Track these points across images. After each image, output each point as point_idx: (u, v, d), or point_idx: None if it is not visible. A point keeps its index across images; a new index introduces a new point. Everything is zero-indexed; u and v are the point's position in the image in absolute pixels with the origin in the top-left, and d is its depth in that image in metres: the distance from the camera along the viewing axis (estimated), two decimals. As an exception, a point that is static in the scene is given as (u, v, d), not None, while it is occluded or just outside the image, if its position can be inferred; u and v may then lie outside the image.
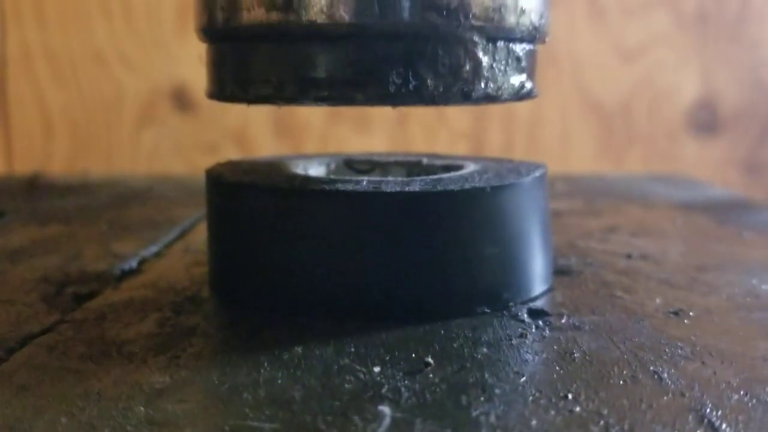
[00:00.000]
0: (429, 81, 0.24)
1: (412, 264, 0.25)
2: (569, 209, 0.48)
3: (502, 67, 0.25)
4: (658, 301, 0.27)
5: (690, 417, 0.18)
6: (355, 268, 0.25)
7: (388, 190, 0.25)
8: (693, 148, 0.80)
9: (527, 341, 0.23)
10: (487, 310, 0.26)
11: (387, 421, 0.18)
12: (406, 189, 0.25)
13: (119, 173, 0.71)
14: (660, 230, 0.41)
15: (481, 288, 0.26)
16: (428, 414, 0.18)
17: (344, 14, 0.23)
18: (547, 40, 0.28)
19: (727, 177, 0.79)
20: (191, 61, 0.74)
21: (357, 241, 0.25)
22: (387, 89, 0.24)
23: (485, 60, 0.24)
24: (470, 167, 0.30)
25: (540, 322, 0.25)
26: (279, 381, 0.20)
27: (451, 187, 0.25)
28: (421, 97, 0.24)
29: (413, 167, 0.33)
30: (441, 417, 0.18)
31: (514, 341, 0.23)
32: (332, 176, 0.32)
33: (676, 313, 0.26)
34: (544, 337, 0.24)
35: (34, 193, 0.54)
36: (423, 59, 0.24)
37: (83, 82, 0.77)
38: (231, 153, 0.73)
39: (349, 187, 0.26)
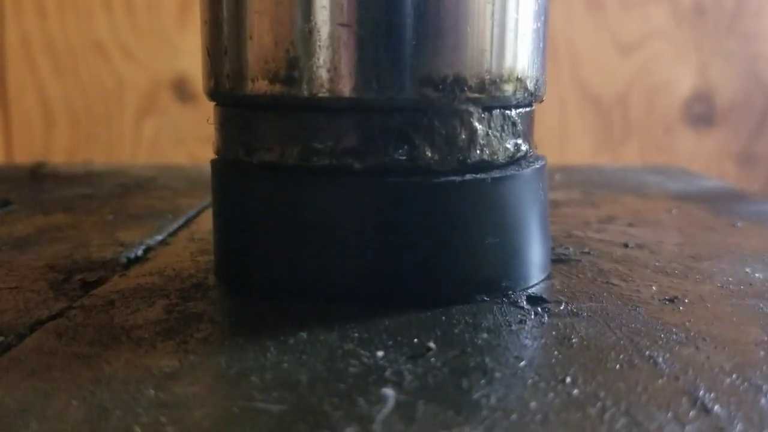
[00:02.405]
0: (426, 151, 0.25)
1: (415, 252, 0.25)
2: (567, 200, 0.48)
3: (498, 134, 0.26)
4: (653, 288, 0.28)
5: (684, 399, 0.18)
6: (359, 255, 0.25)
7: (392, 179, 0.25)
8: (689, 140, 0.80)
9: (526, 327, 0.24)
10: (486, 298, 0.26)
11: (391, 403, 0.18)
12: (409, 179, 0.25)
13: (122, 163, 0.71)
14: (656, 220, 0.41)
15: (481, 276, 0.26)
16: (430, 396, 0.19)
17: (344, 89, 0.24)
18: (543, 99, 0.28)
19: (722, 168, 0.80)
20: (192, 52, 0.74)
21: (361, 228, 0.25)
22: (385, 159, 0.24)
23: (480, 128, 0.25)
24: None
25: (539, 309, 0.25)
26: (285, 365, 0.21)
27: (453, 177, 0.26)
28: (417, 166, 0.25)
29: None
30: (443, 399, 0.18)
31: (513, 327, 0.24)
32: None
33: (671, 300, 0.26)
34: (543, 323, 0.24)
35: (37, 183, 0.54)
36: (420, 131, 0.24)
37: (83, 73, 0.77)
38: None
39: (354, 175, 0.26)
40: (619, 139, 0.80)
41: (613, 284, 0.28)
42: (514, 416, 0.18)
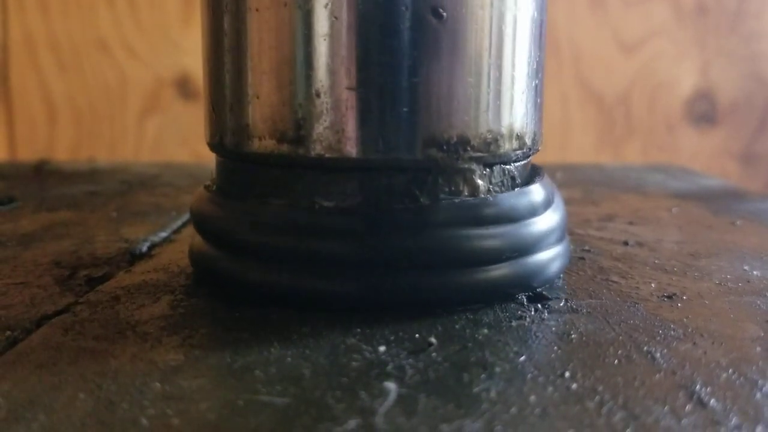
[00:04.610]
0: (430, 207, 0.25)
1: (421, 259, 0.25)
2: (568, 198, 0.48)
3: (498, 189, 0.26)
4: (652, 285, 0.28)
5: (681, 394, 0.19)
6: (366, 261, 0.25)
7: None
8: (691, 139, 0.81)
9: (526, 323, 0.24)
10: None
11: (392, 397, 0.18)
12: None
13: (125, 161, 0.71)
14: (656, 219, 0.42)
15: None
16: (431, 390, 0.19)
17: (351, 150, 0.24)
18: (540, 149, 0.29)
19: (723, 167, 0.80)
20: (195, 50, 0.75)
21: (367, 233, 0.25)
22: (388, 215, 0.25)
23: (482, 184, 0.26)
24: None
25: (539, 306, 0.26)
26: (289, 359, 0.21)
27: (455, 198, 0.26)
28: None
29: None
30: (444, 393, 0.19)
31: (513, 323, 0.24)
32: None
33: (669, 297, 0.27)
34: (543, 319, 0.24)
35: (41, 180, 0.54)
36: (424, 189, 0.25)
37: (87, 70, 0.77)
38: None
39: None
40: (622, 138, 0.81)
41: (612, 281, 0.29)
42: (513, 409, 0.18)
